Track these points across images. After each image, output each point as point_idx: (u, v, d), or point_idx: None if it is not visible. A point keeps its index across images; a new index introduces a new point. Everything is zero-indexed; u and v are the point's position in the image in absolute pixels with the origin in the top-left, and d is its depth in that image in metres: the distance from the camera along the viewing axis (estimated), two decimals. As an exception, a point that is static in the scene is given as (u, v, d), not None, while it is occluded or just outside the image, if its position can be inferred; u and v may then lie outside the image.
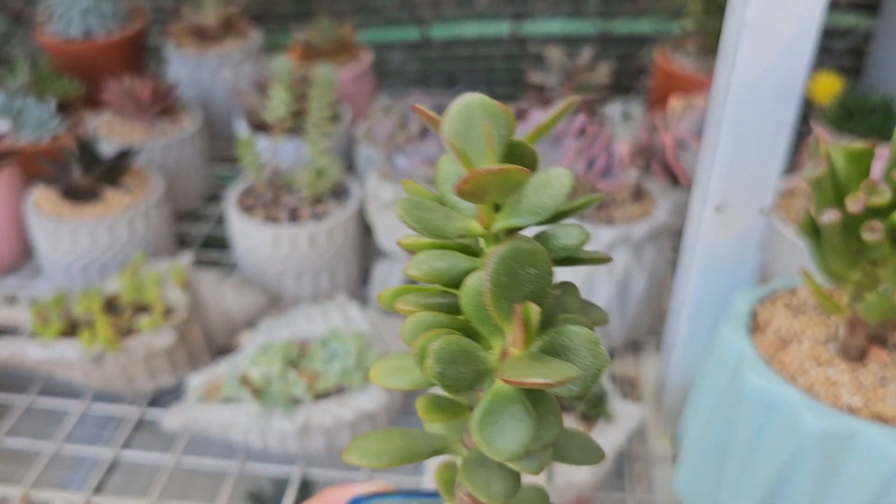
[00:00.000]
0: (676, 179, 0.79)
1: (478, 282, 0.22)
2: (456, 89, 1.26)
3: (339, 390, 0.64)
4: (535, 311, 0.21)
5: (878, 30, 1.12)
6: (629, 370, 0.76)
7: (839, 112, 0.88)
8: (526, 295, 0.22)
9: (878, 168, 0.46)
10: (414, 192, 0.25)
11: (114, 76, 0.98)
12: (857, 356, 0.49)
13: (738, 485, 0.51)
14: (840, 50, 1.15)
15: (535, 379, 0.20)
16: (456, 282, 0.23)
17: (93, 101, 1.02)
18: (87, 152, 0.79)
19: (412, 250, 0.24)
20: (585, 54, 0.93)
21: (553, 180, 0.22)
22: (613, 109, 1.10)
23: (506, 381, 0.20)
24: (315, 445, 0.63)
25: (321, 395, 0.64)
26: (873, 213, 0.42)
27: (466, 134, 0.23)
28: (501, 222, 0.23)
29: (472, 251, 0.24)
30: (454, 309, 0.23)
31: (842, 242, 0.44)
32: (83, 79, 1.01)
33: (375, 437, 0.26)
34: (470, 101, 0.23)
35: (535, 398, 0.22)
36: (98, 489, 0.64)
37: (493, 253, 0.21)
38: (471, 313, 0.22)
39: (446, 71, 1.27)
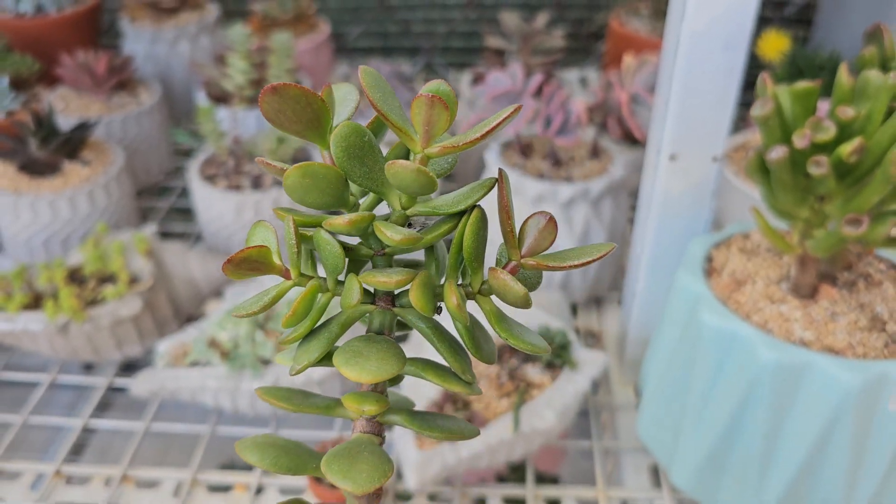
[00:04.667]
0: (632, 137, 0.81)
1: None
2: (416, 57, 1.27)
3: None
4: None
5: (826, -9, 1.14)
6: (592, 325, 0.78)
7: (789, 70, 0.90)
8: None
9: (822, 109, 0.48)
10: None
11: (68, 52, 0.97)
12: (808, 293, 0.51)
13: (697, 424, 0.53)
14: (791, 10, 1.18)
15: None
16: None
17: (48, 78, 1.01)
18: (43, 125, 0.78)
19: None
20: (541, 18, 0.94)
21: None
22: (570, 76, 1.11)
23: None
24: (286, 406, 0.64)
25: (290, 356, 0.64)
26: (819, 148, 0.44)
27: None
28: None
29: None
30: None
31: (790, 179, 0.46)
32: (37, 55, 0.99)
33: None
34: None
35: None
36: (69, 459, 0.64)
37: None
38: None
39: (406, 38, 1.27)
